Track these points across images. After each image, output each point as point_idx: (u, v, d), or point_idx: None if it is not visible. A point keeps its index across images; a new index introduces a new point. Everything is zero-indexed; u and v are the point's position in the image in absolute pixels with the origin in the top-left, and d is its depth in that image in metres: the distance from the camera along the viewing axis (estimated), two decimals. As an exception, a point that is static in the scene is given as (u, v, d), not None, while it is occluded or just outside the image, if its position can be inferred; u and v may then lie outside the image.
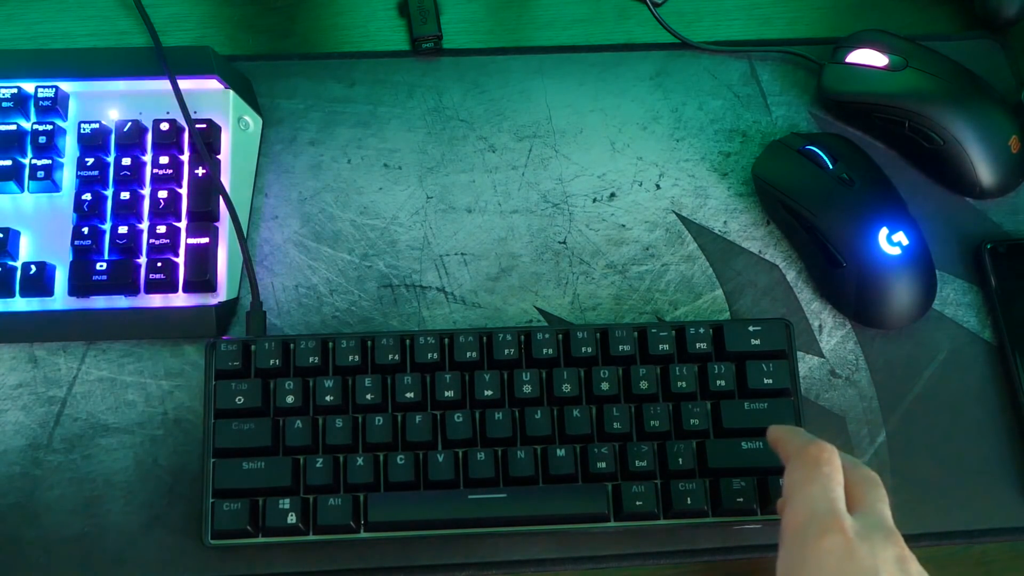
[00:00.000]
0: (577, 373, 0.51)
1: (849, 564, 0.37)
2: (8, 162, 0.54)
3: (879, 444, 0.53)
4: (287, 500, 0.48)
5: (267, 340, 0.51)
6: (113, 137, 0.55)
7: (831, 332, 0.55)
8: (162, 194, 0.54)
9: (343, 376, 0.51)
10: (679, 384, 0.51)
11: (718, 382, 0.51)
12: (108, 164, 0.55)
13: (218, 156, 0.56)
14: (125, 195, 0.54)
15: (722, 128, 0.60)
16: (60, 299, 0.54)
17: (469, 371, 0.51)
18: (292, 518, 0.48)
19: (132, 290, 0.53)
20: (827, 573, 0.37)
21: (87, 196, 0.54)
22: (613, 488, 0.49)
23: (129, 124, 0.55)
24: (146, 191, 0.55)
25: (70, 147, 0.56)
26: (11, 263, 0.53)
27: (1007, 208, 0.58)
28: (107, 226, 0.54)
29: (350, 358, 0.51)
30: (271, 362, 0.51)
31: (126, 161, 0.54)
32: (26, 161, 0.55)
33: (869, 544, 0.38)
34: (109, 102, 0.56)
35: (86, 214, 0.54)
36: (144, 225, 0.54)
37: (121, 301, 0.54)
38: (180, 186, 0.55)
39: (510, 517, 0.49)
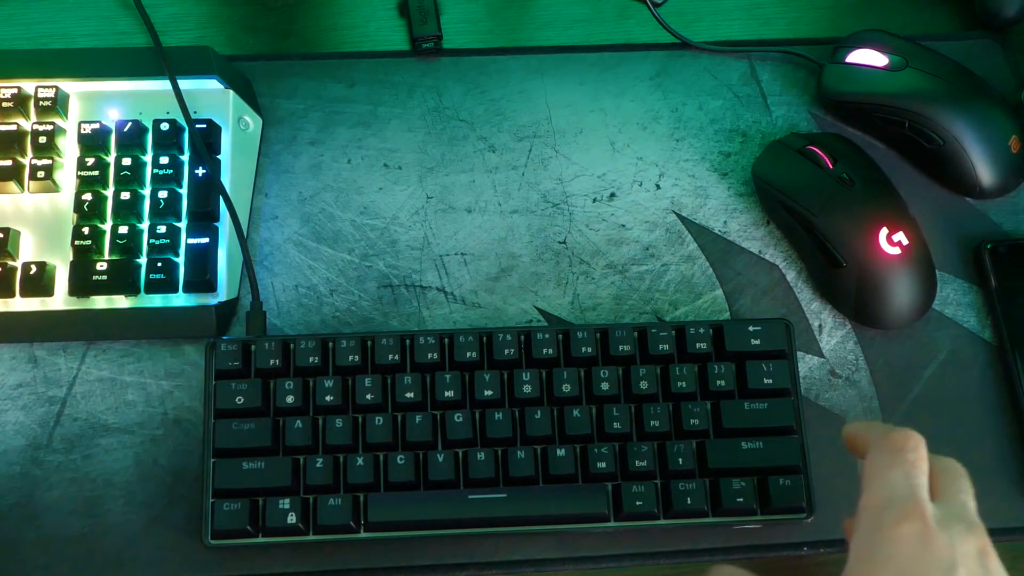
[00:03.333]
0: (577, 373, 0.51)
1: (925, 553, 0.36)
2: (8, 162, 0.54)
3: (879, 444, 0.53)
4: (287, 500, 0.48)
5: (267, 340, 0.51)
6: (113, 137, 0.55)
7: (831, 332, 0.55)
8: (162, 194, 0.54)
9: (343, 376, 0.51)
10: (679, 384, 0.51)
11: (718, 382, 0.51)
12: (108, 164, 0.55)
13: (218, 156, 0.56)
14: (125, 195, 0.54)
15: (722, 128, 0.60)
16: (60, 299, 0.54)
17: (469, 371, 0.51)
18: (292, 518, 0.48)
19: (132, 290, 0.53)
20: (901, 560, 0.36)
21: (87, 196, 0.54)
22: (613, 488, 0.49)
23: (129, 124, 0.55)
24: (146, 191, 0.55)
25: (70, 147, 0.55)
26: (11, 263, 0.53)
27: (1007, 208, 0.58)
28: (107, 226, 0.54)
29: (350, 358, 0.51)
30: (271, 362, 0.51)
31: (126, 161, 0.54)
32: (26, 161, 0.55)
33: (948, 534, 0.36)
34: (109, 102, 0.56)
35: (86, 214, 0.54)
36: (144, 225, 0.54)
37: (121, 301, 0.54)
38: (180, 186, 0.55)
39: (510, 517, 0.49)
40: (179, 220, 0.55)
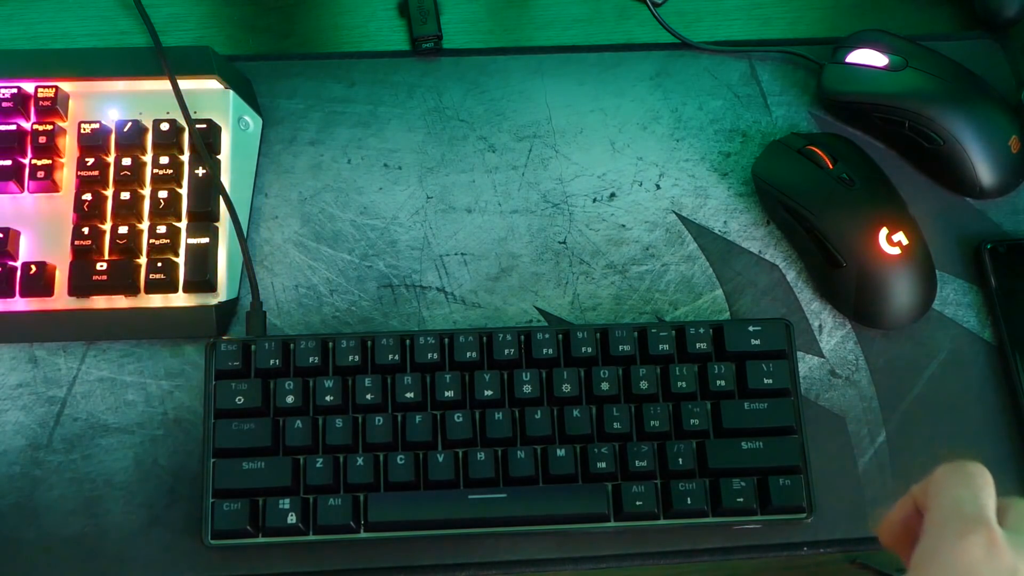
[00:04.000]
0: (577, 373, 0.51)
1: (987, 561, 0.34)
2: (8, 162, 0.54)
3: (879, 444, 0.53)
4: (287, 500, 0.48)
5: (267, 340, 0.51)
6: (113, 137, 0.55)
7: (831, 332, 0.55)
8: (162, 194, 0.54)
9: (343, 376, 0.51)
10: (679, 384, 0.51)
11: (718, 382, 0.51)
12: (108, 164, 0.55)
13: (218, 156, 0.56)
14: (125, 195, 0.54)
15: (722, 128, 0.60)
16: (60, 299, 0.54)
17: (469, 371, 0.51)
18: (292, 518, 0.48)
19: (132, 290, 0.53)
20: (962, 567, 0.34)
21: (87, 196, 0.54)
22: (613, 488, 0.49)
23: (129, 124, 0.55)
24: (146, 191, 0.55)
25: (70, 147, 0.55)
26: (11, 263, 0.53)
27: (1007, 208, 0.58)
28: (107, 226, 0.54)
29: (350, 358, 0.51)
30: (271, 362, 0.51)
31: (126, 161, 0.54)
32: (26, 161, 0.55)
33: (1016, 552, 0.34)
34: (109, 102, 0.56)
35: (86, 214, 0.54)
36: (144, 225, 0.54)
37: (121, 301, 0.54)
38: (180, 186, 0.55)
39: (510, 517, 0.49)
40: (179, 220, 0.55)
